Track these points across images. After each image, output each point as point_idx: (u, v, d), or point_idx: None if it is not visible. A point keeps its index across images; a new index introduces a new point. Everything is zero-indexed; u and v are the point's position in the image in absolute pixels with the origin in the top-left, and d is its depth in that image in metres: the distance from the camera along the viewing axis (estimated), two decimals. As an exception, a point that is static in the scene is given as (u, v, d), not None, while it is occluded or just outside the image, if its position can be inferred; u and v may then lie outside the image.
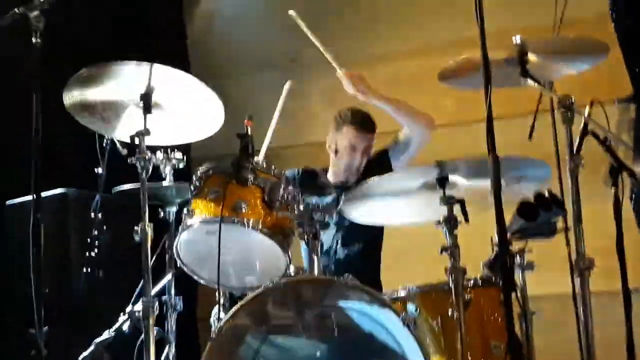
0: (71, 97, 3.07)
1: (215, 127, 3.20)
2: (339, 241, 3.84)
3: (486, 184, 2.46)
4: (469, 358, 2.80)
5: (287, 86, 3.93)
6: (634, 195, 3.88)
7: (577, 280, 2.65)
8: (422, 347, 2.74)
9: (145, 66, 2.99)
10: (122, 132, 3.15)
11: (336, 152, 3.96)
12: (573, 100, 2.73)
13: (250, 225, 2.94)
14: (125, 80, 3.04)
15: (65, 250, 4.09)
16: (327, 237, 3.68)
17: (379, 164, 3.87)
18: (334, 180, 3.94)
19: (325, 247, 3.50)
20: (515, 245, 2.90)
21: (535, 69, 2.90)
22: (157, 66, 2.99)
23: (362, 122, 3.92)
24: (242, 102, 4.89)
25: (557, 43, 3.05)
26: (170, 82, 3.06)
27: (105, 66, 3.02)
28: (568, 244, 2.80)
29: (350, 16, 5.23)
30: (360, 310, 2.83)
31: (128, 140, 3.04)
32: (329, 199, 3.66)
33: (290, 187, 3.06)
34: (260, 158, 3.50)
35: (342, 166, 3.94)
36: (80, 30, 4.87)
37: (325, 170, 4.00)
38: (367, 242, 3.86)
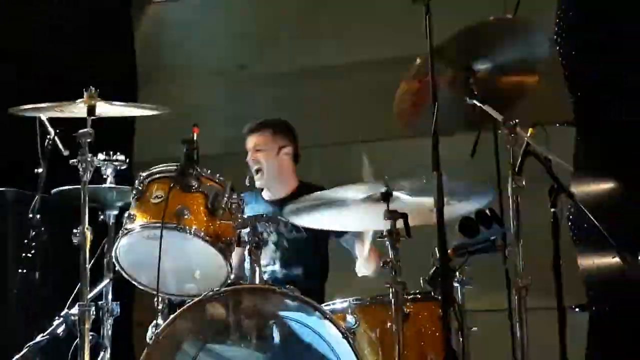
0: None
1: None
2: (277, 261, 3.76)
3: (429, 200, 2.49)
4: (407, 371, 2.81)
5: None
6: (570, 215, 3.96)
7: (514, 297, 2.68)
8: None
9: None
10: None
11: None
12: (516, 122, 2.77)
13: (192, 232, 2.92)
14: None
15: (1, 250, 4.01)
16: (265, 255, 3.58)
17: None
18: (269, 198, 3.89)
19: (263, 265, 3.38)
20: (456, 261, 2.93)
21: (482, 83, 2.91)
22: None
23: (249, 127, 3.86)
24: (189, 108, 4.86)
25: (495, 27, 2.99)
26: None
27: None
28: (505, 261, 2.85)
29: (301, 26, 5.24)
30: (299, 321, 2.82)
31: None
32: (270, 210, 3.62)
33: (234, 196, 3.04)
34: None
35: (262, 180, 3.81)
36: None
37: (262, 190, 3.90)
38: (307, 266, 3.75)
